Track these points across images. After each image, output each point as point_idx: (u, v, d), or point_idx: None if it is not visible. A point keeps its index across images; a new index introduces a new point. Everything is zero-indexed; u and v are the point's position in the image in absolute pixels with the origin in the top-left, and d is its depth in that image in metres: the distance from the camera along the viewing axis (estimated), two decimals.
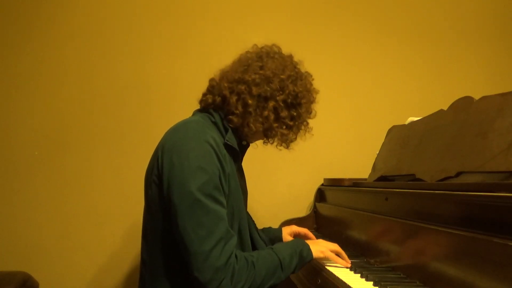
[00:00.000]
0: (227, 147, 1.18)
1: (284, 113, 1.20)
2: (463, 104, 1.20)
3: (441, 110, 1.30)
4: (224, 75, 1.24)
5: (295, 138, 1.29)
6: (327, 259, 1.24)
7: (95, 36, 2.00)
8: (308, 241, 1.24)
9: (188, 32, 2.07)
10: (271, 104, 1.18)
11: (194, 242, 1.00)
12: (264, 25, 2.12)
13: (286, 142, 1.27)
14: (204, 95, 1.28)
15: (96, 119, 1.98)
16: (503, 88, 1.10)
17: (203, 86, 1.30)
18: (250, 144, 1.33)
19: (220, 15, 2.10)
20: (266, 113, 1.18)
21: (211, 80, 1.28)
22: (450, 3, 2.35)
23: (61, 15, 1.98)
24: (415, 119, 1.51)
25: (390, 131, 1.65)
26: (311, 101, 1.27)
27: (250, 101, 1.17)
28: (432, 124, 1.32)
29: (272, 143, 1.31)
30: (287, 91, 1.20)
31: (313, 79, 1.29)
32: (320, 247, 1.23)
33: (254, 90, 1.17)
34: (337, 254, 1.26)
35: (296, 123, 1.24)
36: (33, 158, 1.93)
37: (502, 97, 1.05)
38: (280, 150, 1.31)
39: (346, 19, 2.23)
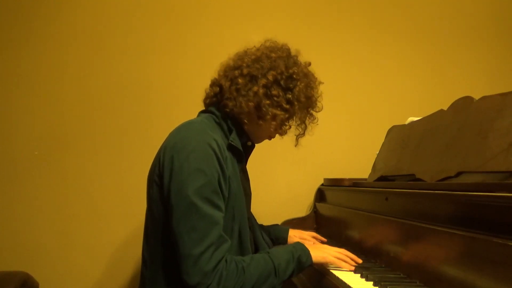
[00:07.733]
0: (231, 147, 1.18)
1: (275, 91, 1.18)
2: (463, 104, 1.20)
3: (441, 110, 1.30)
4: (222, 67, 1.28)
5: (303, 133, 1.29)
6: (328, 264, 1.21)
7: (95, 36, 2.00)
8: (309, 246, 1.22)
9: (188, 32, 2.07)
10: (261, 82, 1.18)
11: (186, 245, 1.00)
12: (265, 25, 2.12)
13: (280, 125, 1.24)
14: (206, 91, 1.30)
15: (96, 119, 1.98)
16: (503, 88, 1.10)
17: (203, 86, 1.31)
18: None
19: (220, 15, 2.10)
20: (255, 88, 1.17)
21: (213, 78, 1.30)
22: (450, 3, 2.35)
23: (61, 15, 1.98)
24: (415, 119, 1.51)
25: (390, 131, 1.65)
26: (310, 87, 1.25)
27: (240, 80, 1.18)
28: (432, 124, 1.32)
29: (273, 130, 1.27)
30: (278, 70, 1.19)
31: (309, 64, 1.28)
32: (321, 253, 1.20)
33: (245, 71, 1.19)
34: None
35: (294, 108, 1.22)
36: (33, 158, 1.93)
37: (502, 97, 1.05)
38: (279, 136, 1.31)
39: (346, 19, 2.23)
